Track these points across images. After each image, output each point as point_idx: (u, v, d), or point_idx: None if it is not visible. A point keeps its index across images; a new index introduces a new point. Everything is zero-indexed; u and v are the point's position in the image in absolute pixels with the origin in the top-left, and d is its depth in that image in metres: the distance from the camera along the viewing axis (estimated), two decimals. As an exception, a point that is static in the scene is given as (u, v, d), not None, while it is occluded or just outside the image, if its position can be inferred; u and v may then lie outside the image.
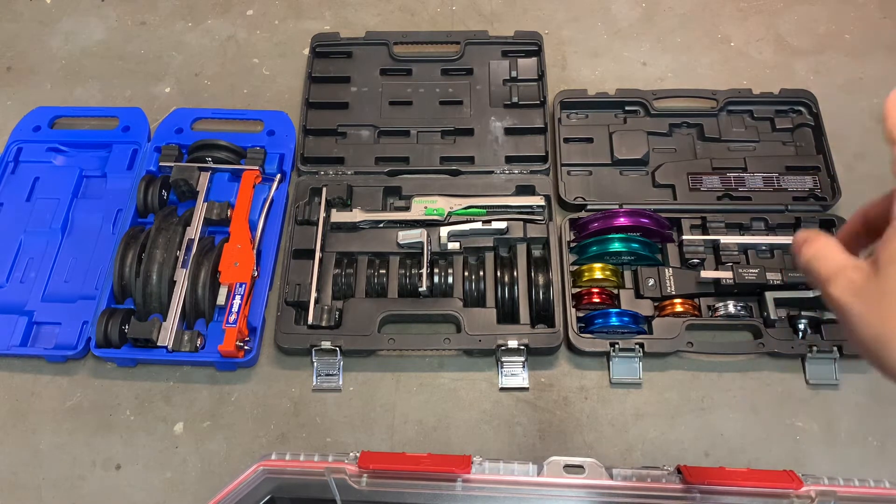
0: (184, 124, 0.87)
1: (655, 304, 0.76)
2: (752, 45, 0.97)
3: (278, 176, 0.83)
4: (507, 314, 0.75)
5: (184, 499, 0.69)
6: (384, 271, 0.77)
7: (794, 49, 0.97)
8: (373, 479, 0.61)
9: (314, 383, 0.74)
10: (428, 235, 0.77)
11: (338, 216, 0.80)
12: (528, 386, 0.73)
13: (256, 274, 0.77)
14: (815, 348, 0.72)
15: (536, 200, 0.80)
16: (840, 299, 0.35)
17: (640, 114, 0.88)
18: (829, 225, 0.79)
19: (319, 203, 0.81)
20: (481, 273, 0.77)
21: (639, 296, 0.76)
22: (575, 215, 0.80)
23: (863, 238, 0.41)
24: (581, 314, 0.75)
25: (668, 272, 0.76)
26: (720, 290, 0.75)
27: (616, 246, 0.75)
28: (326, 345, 0.72)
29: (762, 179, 0.83)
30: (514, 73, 0.90)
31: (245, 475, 0.61)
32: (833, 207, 0.81)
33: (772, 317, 0.72)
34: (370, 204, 0.81)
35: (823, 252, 0.37)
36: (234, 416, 0.73)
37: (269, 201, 0.82)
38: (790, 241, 0.78)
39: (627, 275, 0.78)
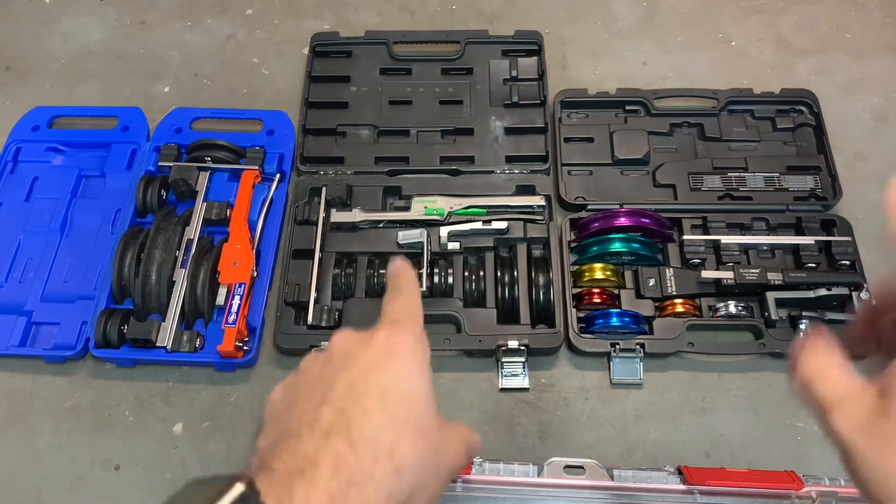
0: (183, 124, 0.87)
1: (656, 304, 0.75)
2: (753, 44, 0.97)
3: (278, 176, 0.83)
4: (508, 314, 0.75)
5: (183, 499, 0.69)
6: (384, 271, 0.77)
7: (795, 49, 0.96)
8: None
9: (314, 384, 0.73)
10: (428, 235, 0.77)
11: (337, 216, 0.79)
12: (528, 386, 0.73)
13: (256, 274, 0.76)
14: (816, 348, 0.72)
15: (536, 200, 0.80)
16: (842, 434, 0.31)
17: (641, 113, 0.87)
18: (829, 225, 0.78)
19: (319, 203, 0.80)
20: (481, 273, 0.77)
21: (639, 296, 0.76)
22: (575, 215, 0.80)
23: (875, 327, 0.37)
24: (581, 314, 0.75)
25: (669, 272, 0.76)
26: (721, 291, 0.75)
27: (616, 246, 0.75)
28: (326, 345, 0.72)
29: (763, 179, 0.82)
30: (514, 73, 0.90)
31: (244, 476, 0.61)
32: (834, 207, 0.81)
33: (773, 317, 0.72)
34: (370, 204, 0.81)
35: (825, 372, 0.33)
36: (234, 417, 0.73)
37: (268, 201, 0.81)
38: (791, 242, 0.79)
39: (628, 275, 0.77)
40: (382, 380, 0.33)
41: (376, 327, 0.36)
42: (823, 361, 0.33)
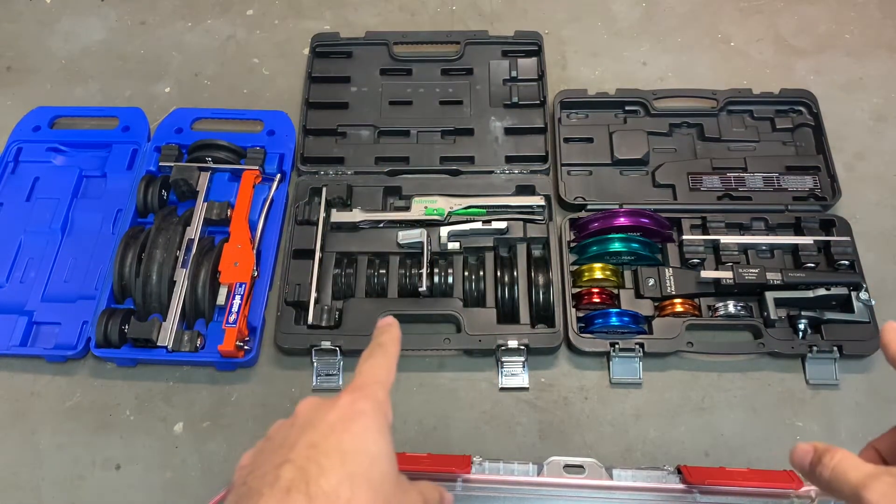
0: (184, 124, 0.87)
1: (655, 304, 0.75)
2: (753, 44, 0.97)
3: (278, 176, 0.83)
4: (507, 314, 0.75)
5: (184, 499, 0.69)
6: (384, 271, 0.77)
7: (794, 49, 0.97)
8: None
9: (314, 383, 0.74)
10: (428, 235, 0.77)
11: (338, 216, 0.80)
12: (528, 386, 0.73)
13: (256, 274, 0.77)
14: (815, 348, 0.72)
15: (536, 200, 0.80)
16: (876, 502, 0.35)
17: (640, 114, 0.88)
18: (828, 225, 0.79)
19: (319, 203, 0.80)
20: (481, 273, 0.77)
21: (639, 296, 0.76)
22: (575, 215, 0.80)
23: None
24: (581, 314, 0.75)
25: (669, 272, 0.76)
26: (720, 290, 0.75)
27: (616, 246, 0.75)
28: (326, 345, 0.72)
29: (762, 179, 0.83)
30: (514, 73, 0.90)
31: (245, 475, 0.61)
32: (833, 207, 0.81)
33: (772, 317, 0.72)
34: (370, 204, 0.81)
35: (849, 461, 0.38)
36: (234, 417, 0.73)
37: (268, 201, 0.82)
38: (790, 242, 0.79)
39: (627, 275, 0.78)
40: (343, 441, 0.34)
41: (341, 392, 0.38)
42: (843, 453, 0.39)
